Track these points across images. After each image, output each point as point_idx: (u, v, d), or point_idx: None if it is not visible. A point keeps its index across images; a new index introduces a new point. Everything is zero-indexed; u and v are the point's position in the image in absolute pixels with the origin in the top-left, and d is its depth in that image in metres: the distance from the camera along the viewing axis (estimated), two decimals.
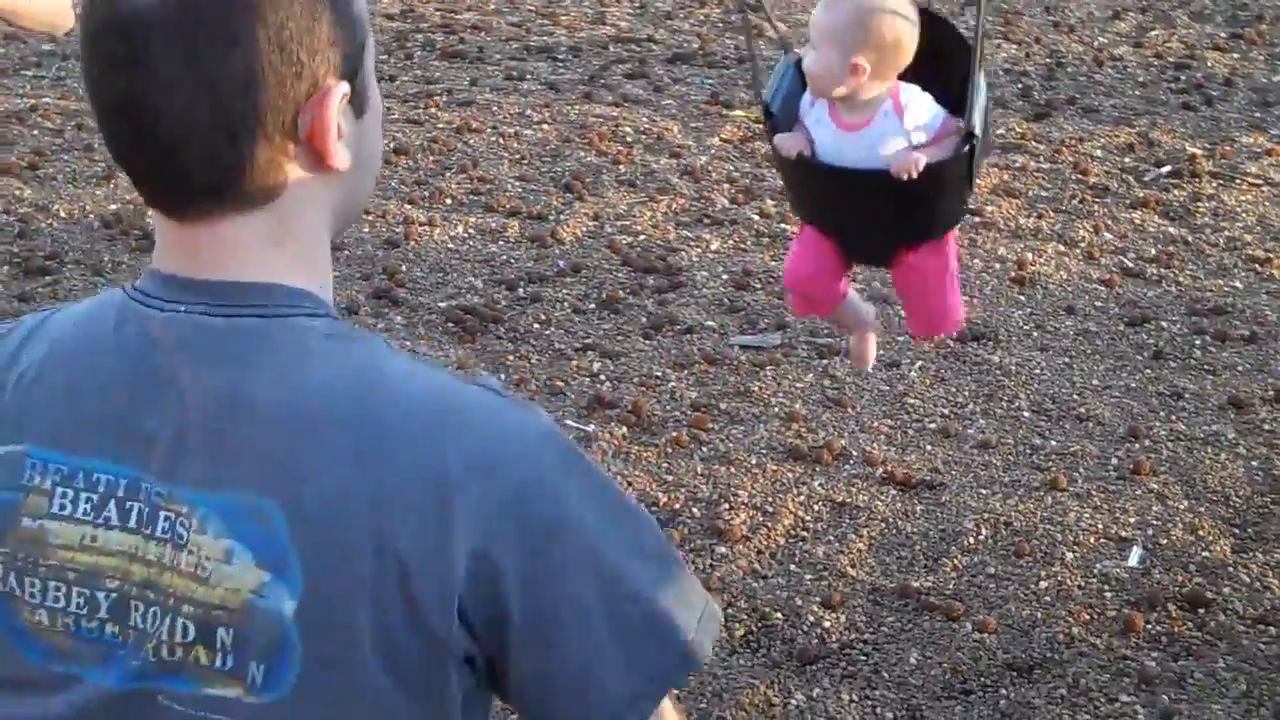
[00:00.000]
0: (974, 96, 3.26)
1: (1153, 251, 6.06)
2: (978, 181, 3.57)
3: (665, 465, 4.53)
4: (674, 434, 4.68)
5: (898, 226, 3.47)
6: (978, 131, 3.28)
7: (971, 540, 4.23)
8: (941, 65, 3.34)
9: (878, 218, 3.45)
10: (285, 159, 1.38)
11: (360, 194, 1.52)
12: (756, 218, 6.24)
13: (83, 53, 1.37)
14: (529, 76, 7.77)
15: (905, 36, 3.26)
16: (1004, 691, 3.67)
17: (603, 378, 5.03)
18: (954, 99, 3.29)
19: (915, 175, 3.22)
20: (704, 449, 4.63)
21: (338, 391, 1.36)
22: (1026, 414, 4.91)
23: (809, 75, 3.28)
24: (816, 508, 4.36)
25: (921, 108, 3.30)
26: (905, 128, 3.29)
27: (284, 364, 1.37)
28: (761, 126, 3.57)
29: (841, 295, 3.62)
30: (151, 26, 1.31)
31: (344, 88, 1.38)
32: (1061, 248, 6.07)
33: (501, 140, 6.94)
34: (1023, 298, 5.67)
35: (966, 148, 3.28)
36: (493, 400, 1.40)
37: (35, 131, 6.93)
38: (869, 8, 3.25)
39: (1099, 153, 6.98)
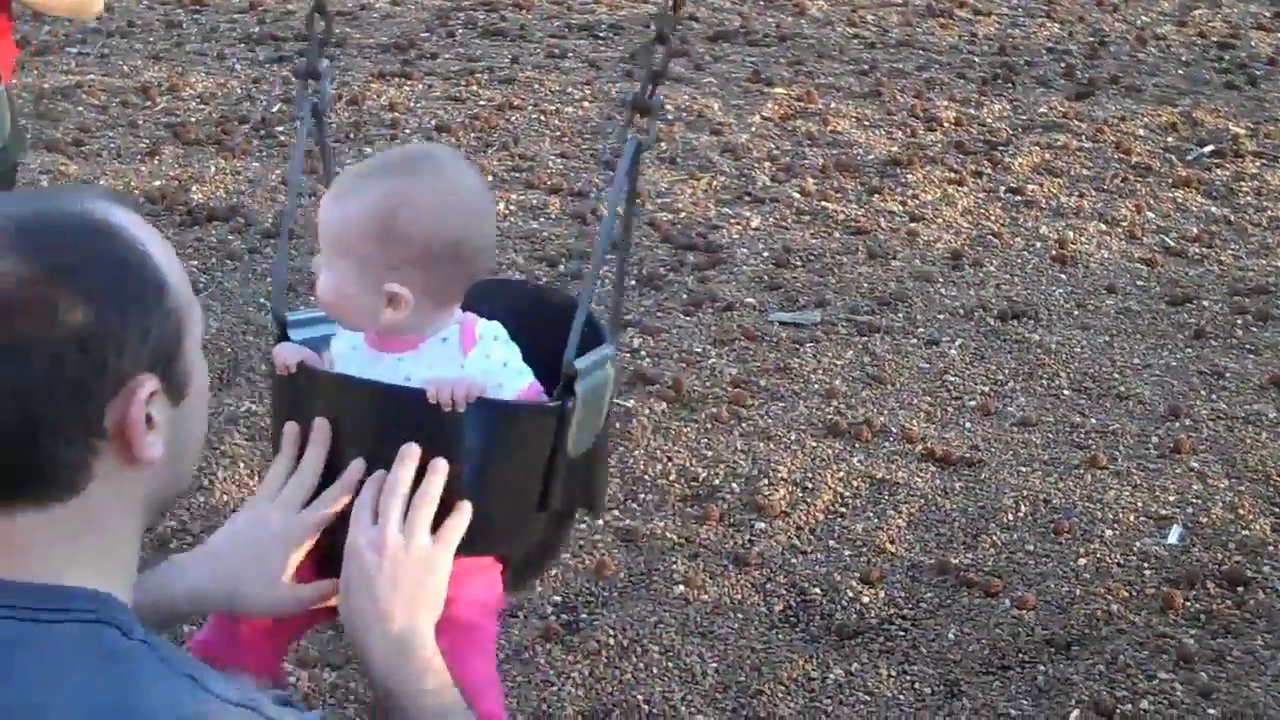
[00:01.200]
0: (577, 325, 2.20)
1: (1195, 231, 6.04)
2: (597, 484, 2.33)
3: (705, 441, 4.55)
4: (714, 410, 4.70)
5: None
6: (580, 385, 2.16)
7: (1011, 517, 4.23)
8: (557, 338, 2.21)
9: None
10: (91, 457, 1.35)
11: (177, 480, 1.48)
12: (797, 195, 6.25)
13: None
14: (570, 54, 7.79)
15: (470, 236, 2.22)
16: (1042, 667, 3.68)
17: (643, 354, 5.04)
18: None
19: (460, 406, 2.07)
20: (744, 425, 4.65)
21: (83, 711, 1.31)
22: (1067, 392, 4.91)
23: (322, 304, 2.27)
24: (855, 484, 4.37)
25: (503, 355, 2.20)
26: (466, 364, 2.17)
27: (42, 684, 1.31)
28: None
29: (275, 671, 2.25)
30: None
31: (153, 382, 1.36)
32: (1103, 227, 6.06)
33: (543, 117, 6.95)
34: (1064, 276, 5.67)
35: (558, 403, 2.14)
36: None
37: (80, 108, 6.98)
38: (402, 198, 2.17)
39: (1141, 132, 6.96)
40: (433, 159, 2.22)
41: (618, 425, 4.59)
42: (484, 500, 2.13)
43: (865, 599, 3.90)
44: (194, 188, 6.14)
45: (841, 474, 4.41)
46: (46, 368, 1.31)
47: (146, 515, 1.45)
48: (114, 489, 1.38)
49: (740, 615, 3.84)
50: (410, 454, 1.98)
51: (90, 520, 1.38)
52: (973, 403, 4.83)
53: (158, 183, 6.18)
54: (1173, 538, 4.17)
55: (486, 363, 2.18)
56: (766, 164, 6.53)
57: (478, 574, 2.20)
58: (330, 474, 2.06)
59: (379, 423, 2.16)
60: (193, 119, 6.87)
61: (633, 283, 5.50)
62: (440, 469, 1.95)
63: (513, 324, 2.30)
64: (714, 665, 3.66)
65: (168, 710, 1.32)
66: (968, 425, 4.70)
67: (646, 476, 4.37)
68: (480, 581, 2.21)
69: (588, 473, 2.29)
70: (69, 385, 1.32)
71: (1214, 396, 4.89)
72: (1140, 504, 4.31)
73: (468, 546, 2.12)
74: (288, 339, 2.37)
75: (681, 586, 3.92)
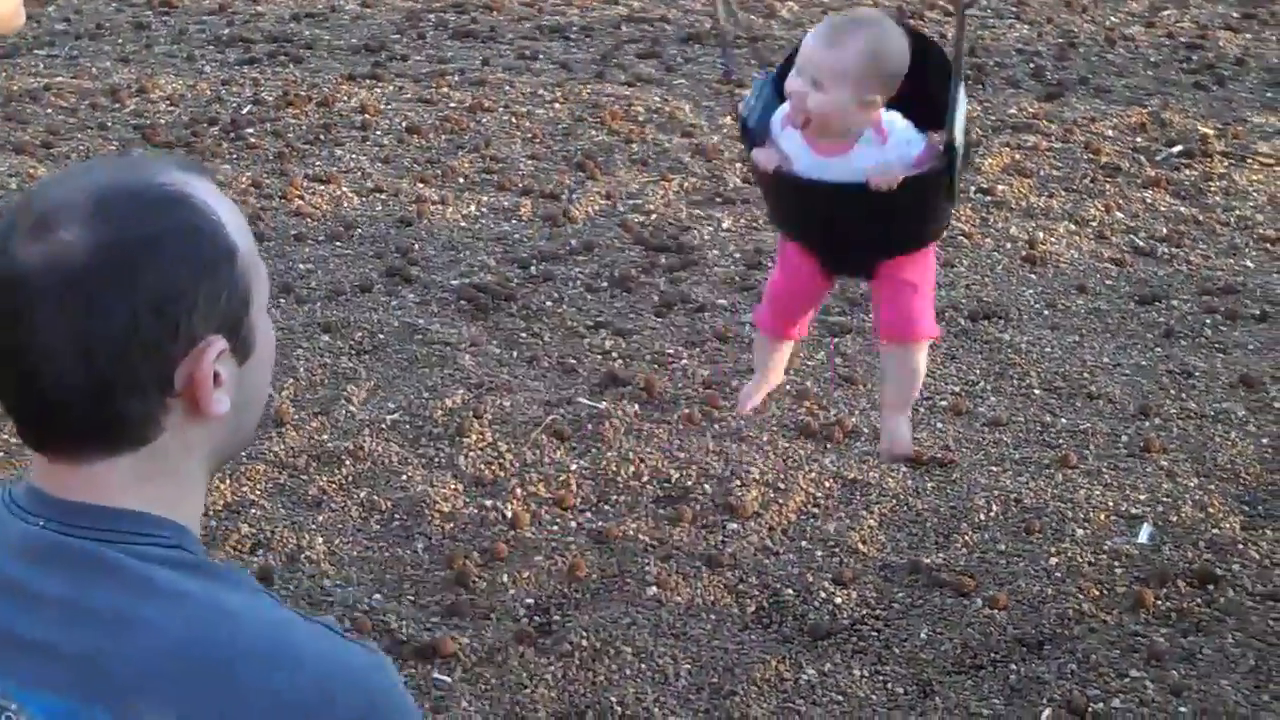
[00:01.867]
0: (954, 110, 3.28)
1: (1164, 231, 6.07)
2: (960, 191, 3.63)
3: (677, 442, 4.55)
4: (686, 411, 4.70)
5: (878, 238, 3.51)
6: (958, 144, 3.30)
7: (982, 517, 4.24)
8: (921, 80, 3.37)
9: (858, 230, 3.48)
10: (162, 412, 1.45)
11: (242, 433, 1.57)
12: None
13: None
14: (541, 56, 7.78)
15: (904, 66, 3.33)
16: (1014, 667, 3.69)
17: (615, 355, 5.04)
18: (936, 113, 3.33)
19: (893, 188, 3.27)
20: (716, 426, 4.65)
21: (176, 620, 1.40)
22: (1037, 392, 4.92)
23: (816, 115, 3.32)
24: (828, 484, 4.38)
25: (903, 135, 3.36)
26: (887, 155, 3.34)
27: (127, 588, 1.41)
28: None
29: (799, 333, 3.84)
30: (34, 289, 1.38)
31: (221, 342, 1.45)
32: (1073, 227, 6.08)
33: (514, 119, 6.95)
34: (1034, 276, 5.68)
35: (946, 160, 3.31)
36: (331, 636, 1.45)
37: (49, 111, 6.96)
38: (879, 46, 3.30)
39: (1110, 132, 6.98)
40: (883, 20, 3.38)
41: (590, 427, 4.60)
42: (922, 223, 3.51)
43: (838, 599, 3.90)
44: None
45: (813, 475, 4.41)
46: (123, 329, 1.39)
47: (213, 464, 1.54)
48: (182, 440, 1.47)
49: (713, 616, 3.84)
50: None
51: (161, 467, 1.47)
52: (944, 403, 4.84)
53: None
54: (1143, 537, 4.18)
55: (901, 146, 3.34)
56: (738, 165, 6.54)
57: (927, 256, 3.61)
58: (812, 230, 3.55)
59: (844, 209, 3.41)
60: (162, 121, 6.84)
61: (605, 283, 5.50)
62: None
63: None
64: (687, 667, 3.66)
65: (254, 612, 1.42)
66: (939, 425, 4.71)
67: (619, 478, 4.37)
68: (929, 260, 3.63)
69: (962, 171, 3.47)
70: (144, 346, 1.40)
71: (1183, 395, 4.91)
72: (1111, 503, 4.32)
73: (920, 245, 3.55)
74: (748, 134, 3.51)
75: (654, 588, 3.92)
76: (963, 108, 3.33)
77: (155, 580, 1.42)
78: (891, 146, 3.35)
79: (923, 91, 3.36)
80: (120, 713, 1.36)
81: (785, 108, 3.45)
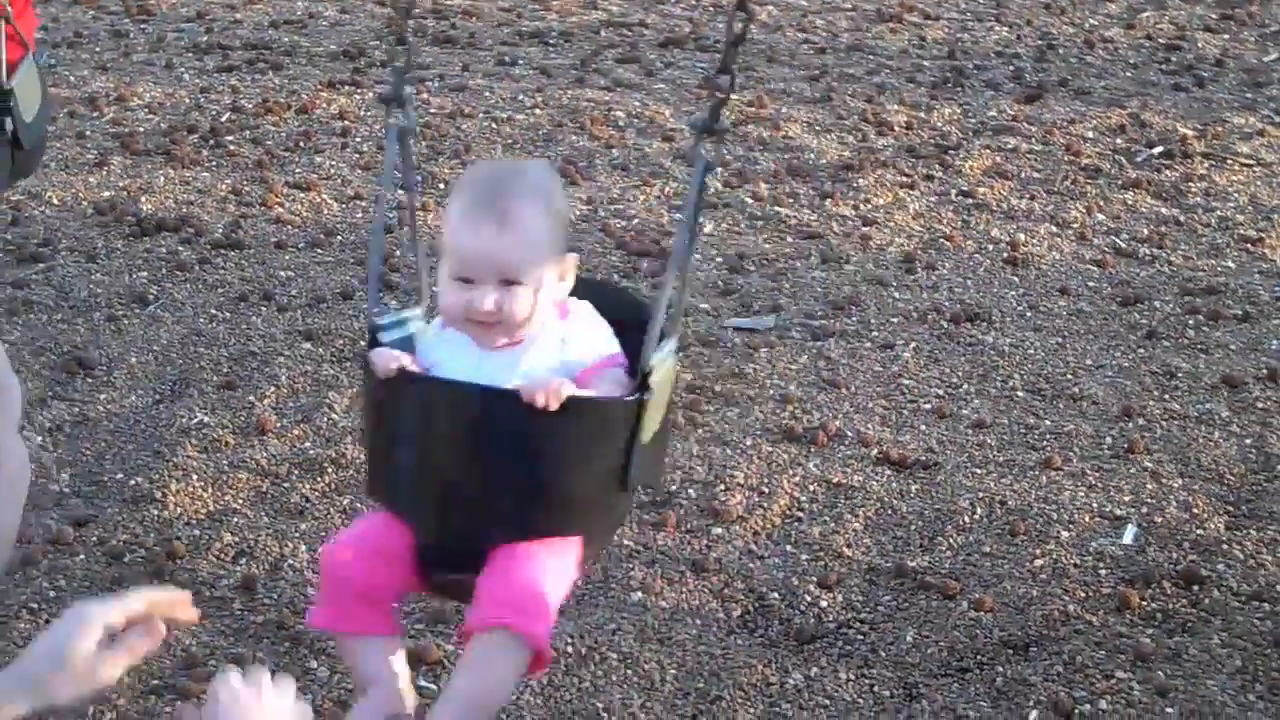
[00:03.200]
0: (655, 328, 2.53)
1: (1145, 232, 6.07)
2: (658, 461, 2.76)
3: None
4: (669, 416, 4.68)
5: (509, 493, 2.51)
6: (654, 379, 2.52)
7: (967, 519, 4.24)
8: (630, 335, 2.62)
9: (485, 473, 2.50)
10: None
11: None
12: (750, 200, 6.25)
13: None
14: (521, 62, 7.77)
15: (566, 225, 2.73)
16: (1000, 669, 3.68)
17: None
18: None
19: (553, 405, 2.42)
20: (699, 431, 4.64)
21: None
22: (1021, 394, 4.92)
23: (509, 322, 2.55)
24: (812, 488, 4.37)
25: (588, 327, 2.65)
26: (567, 333, 2.61)
27: None
28: None
29: (388, 627, 2.66)
30: None
31: None
32: (1054, 229, 6.08)
33: (494, 125, 6.94)
34: (1016, 278, 5.68)
35: (636, 395, 2.51)
36: None
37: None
38: (547, 195, 2.66)
39: (1091, 134, 6.99)
40: (517, 169, 2.73)
41: None
42: (575, 484, 2.51)
43: (823, 603, 3.89)
44: (143, 198, 6.09)
45: (798, 478, 4.41)
46: None
47: None
48: None
49: (698, 621, 3.83)
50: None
51: None
52: (927, 406, 4.84)
53: (106, 194, 6.13)
54: (1128, 538, 4.18)
55: (580, 342, 2.58)
56: (719, 170, 6.52)
57: (558, 554, 2.55)
58: (424, 471, 2.45)
59: (480, 422, 2.49)
60: (141, 129, 6.81)
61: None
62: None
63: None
64: (673, 672, 3.65)
65: None
66: (923, 428, 4.71)
67: None
68: (568, 567, 2.59)
69: (653, 455, 2.65)
70: None
71: (1166, 396, 4.91)
72: (1095, 504, 4.32)
73: (561, 527, 2.54)
74: (378, 344, 2.66)
75: (639, 593, 3.91)
76: (671, 342, 2.60)
77: None
78: (571, 339, 2.59)
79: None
80: None
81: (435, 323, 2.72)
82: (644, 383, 2.51)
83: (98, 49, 7.91)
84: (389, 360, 2.56)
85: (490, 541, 2.54)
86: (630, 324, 2.64)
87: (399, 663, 2.67)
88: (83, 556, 3.98)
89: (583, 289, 2.74)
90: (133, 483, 4.30)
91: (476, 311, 2.53)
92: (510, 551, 2.52)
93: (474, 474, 2.51)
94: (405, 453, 2.57)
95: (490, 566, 2.53)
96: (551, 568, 2.54)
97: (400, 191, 5.58)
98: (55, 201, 6.04)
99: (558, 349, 2.58)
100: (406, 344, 2.67)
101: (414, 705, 2.65)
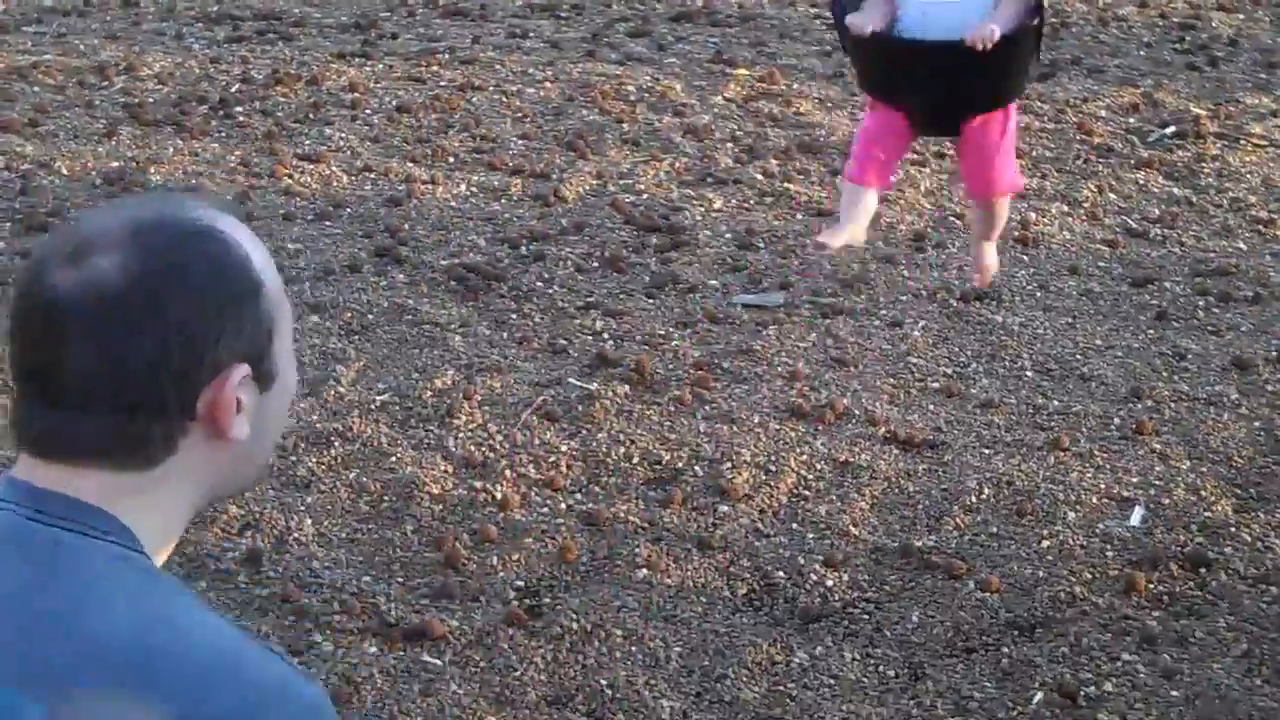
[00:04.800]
0: None
1: (1156, 212, 6.05)
2: (1042, 57, 4.08)
3: (668, 424, 4.53)
4: (677, 393, 4.68)
5: (969, 95, 3.80)
6: (1046, 2, 3.73)
7: (974, 499, 4.23)
8: None
9: (950, 88, 3.78)
10: (181, 434, 1.48)
11: (253, 464, 1.59)
12: (760, 177, 6.23)
13: (9, 328, 1.47)
14: (531, 35, 7.74)
15: None
16: (1006, 650, 3.67)
17: (606, 336, 5.02)
18: None
19: (990, 46, 3.56)
20: (707, 408, 4.63)
21: (125, 621, 1.41)
22: (1029, 374, 4.90)
23: None
24: (819, 467, 4.36)
25: None
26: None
27: (86, 583, 1.43)
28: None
29: (885, 183, 4.12)
30: (69, 313, 1.44)
31: (244, 369, 1.48)
32: (1065, 208, 6.06)
33: (504, 99, 6.91)
34: (1026, 258, 5.66)
35: (1036, 19, 3.68)
36: (274, 661, 1.47)
37: (36, 88, 6.91)
38: None
39: (1103, 113, 6.96)
40: None
41: (580, 408, 4.57)
42: (1011, 83, 3.89)
43: (829, 582, 3.89)
44: (152, 169, 6.08)
45: (805, 457, 4.40)
46: (151, 353, 1.43)
47: (207, 495, 1.56)
48: (191, 464, 1.50)
49: (704, 599, 3.82)
50: None
51: (158, 487, 1.49)
52: (935, 385, 4.82)
53: (115, 163, 6.12)
54: (1135, 519, 4.17)
55: None
56: (729, 145, 6.51)
57: (1008, 115, 3.99)
58: (910, 89, 3.90)
59: (937, 66, 3.78)
60: (150, 99, 6.80)
61: (596, 264, 5.48)
62: None
63: None
64: (678, 649, 3.64)
65: (204, 627, 1.43)
66: (931, 407, 4.69)
67: (609, 460, 4.35)
68: (1010, 119, 4.06)
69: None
70: (170, 371, 1.44)
71: (1176, 378, 4.90)
72: (1103, 486, 4.31)
73: (1007, 99, 3.97)
74: (838, 4, 3.91)
75: (645, 570, 3.91)
76: None
77: (110, 576, 1.43)
78: None
79: None
80: (55, 702, 1.37)
81: None
82: (1039, 8, 3.68)
83: (107, 18, 7.89)
84: (862, 24, 3.68)
85: (960, 120, 3.95)
86: None
87: (873, 208, 4.14)
88: None
89: None
90: None
91: None
92: (976, 132, 3.97)
93: (941, 90, 3.80)
94: (888, 80, 3.92)
95: (966, 149, 4.08)
96: (1003, 137, 3.96)
97: (410, 164, 5.62)
98: (64, 171, 6.03)
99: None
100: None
101: (858, 238, 4.23)
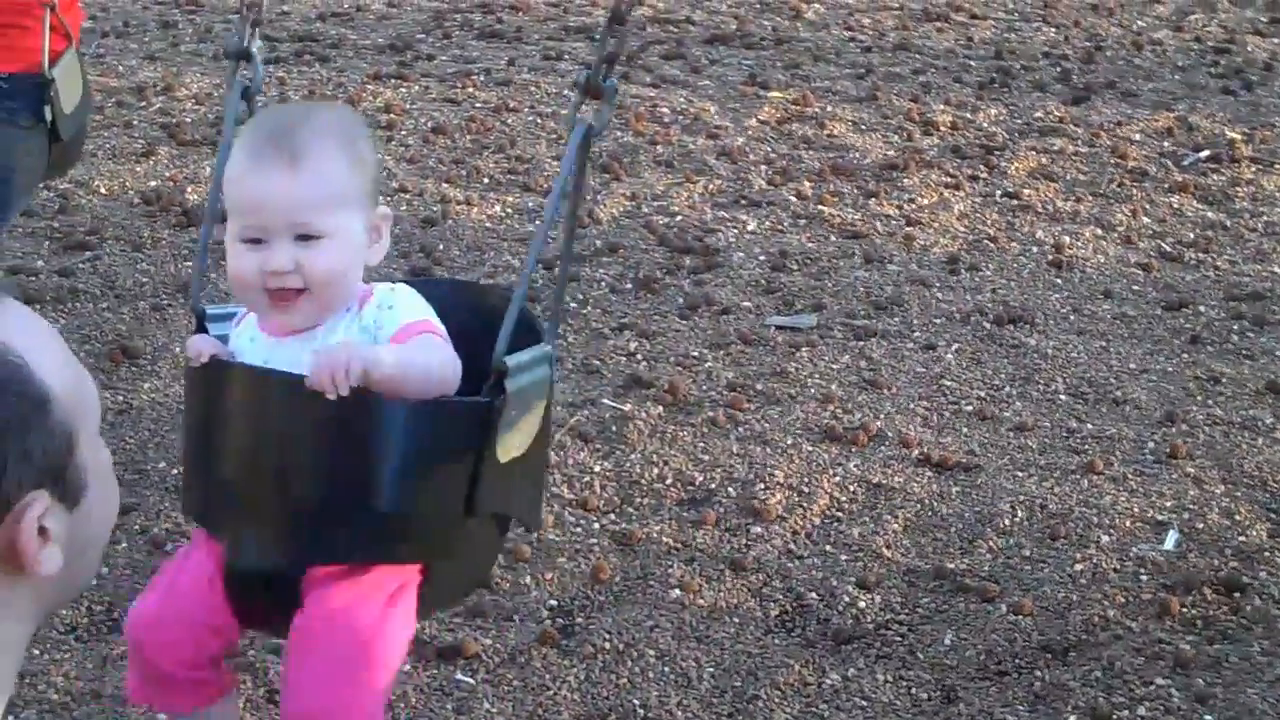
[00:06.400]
0: (508, 323, 2.15)
1: (1191, 236, 6.04)
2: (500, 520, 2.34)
3: (701, 445, 4.54)
4: (710, 414, 4.69)
5: (310, 509, 2.11)
6: (512, 385, 2.10)
7: (1007, 522, 4.23)
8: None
9: (296, 478, 2.12)
10: None
11: (80, 579, 1.40)
12: (794, 199, 6.24)
13: None
14: (567, 56, 7.78)
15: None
16: (1039, 673, 3.67)
17: (639, 357, 5.04)
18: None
19: (343, 390, 1.97)
20: (740, 429, 4.64)
21: None
22: (1063, 397, 4.90)
23: (317, 282, 2.19)
24: (852, 489, 4.37)
25: (387, 300, 2.28)
26: (367, 324, 2.21)
27: None
28: None
29: (217, 687, 2.28)
30: None
31: (44, 498, 1.28)
32: (1099, 231, 6.06)
33: (539, 120, 6.95)
34: (1060, 281, 5.66)
35: (489, 400, 2.08)
36: None
37: None
38: (351, 139, 2.31)
39: (1137, 136, 6.96)
40: (310, 109, 2.49)
41: (614, 429, 4.58)
42: (404, 499, 2.01)
43: (862, 604, 3.89)
44: (189, 189, 6.13)
45: (838, 479, 4.40)
46: None
47: (39, 619, 1.37)
48: (7, 605, 1.31)
49: (736, 620, 3.83)
50: None
51: None
52: (969, 408, 4.82)
53: (153, 183, 6.16)
54: (1169, 543, 4.16)
55: (376, 311, 2.16)
56: (763, 167, 6.53)
57: (378, 596, 2.05)
58: (250, 469, 2.05)
59: (287, 414, 2.07)
60: (188, 119, 6.85)
61: (629, 285, 5.49)
62: None
63: (451, 326, 2.25)
64: (710, 670, 3.65)
65: None
66: (964, 430, 4.69)
67: (642, 480, 4.36)
68: (391, 614, 2.07)
69: (523, 481, 2.19)
70: None
71: (1210, 402, 4.89)
72: (1137, 509, 4.30)
73: (389, 552, 2.04)
74: (205, 332, 2.37)
75: (678, 591, 3.91)
76: (544, 349, 2.24)
77: None
78: (369, 310, 2.21)
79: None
80: None
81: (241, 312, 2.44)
82: (498, 384, 2.06)
83: (146, 39, 7.95)
84: (205, 347, 2.26)
85: (300, 569, 2.10)
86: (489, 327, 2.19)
87: None
88: (125, 544, 4.00)
89: (427, 288, 2.39)
90: (175, 471, 4.32)
91: (269, 274, 2.14)
92: (324, 595, 2.06)
93: (277, 475, 2.11)
94: (205, 450, 2.22)
95: (303, 625, 2.11)
96: (370, 624, 2.04)
97: (445, 185, 5.61)
98: (102, 190, 6.08)
99: (370, 329, 2.15)
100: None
101: None
